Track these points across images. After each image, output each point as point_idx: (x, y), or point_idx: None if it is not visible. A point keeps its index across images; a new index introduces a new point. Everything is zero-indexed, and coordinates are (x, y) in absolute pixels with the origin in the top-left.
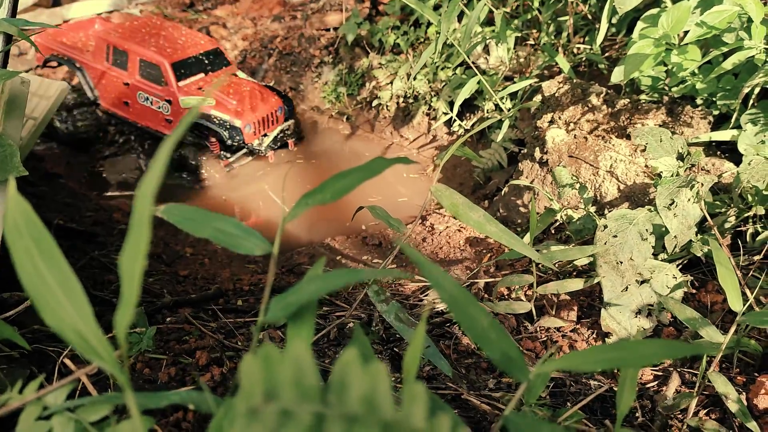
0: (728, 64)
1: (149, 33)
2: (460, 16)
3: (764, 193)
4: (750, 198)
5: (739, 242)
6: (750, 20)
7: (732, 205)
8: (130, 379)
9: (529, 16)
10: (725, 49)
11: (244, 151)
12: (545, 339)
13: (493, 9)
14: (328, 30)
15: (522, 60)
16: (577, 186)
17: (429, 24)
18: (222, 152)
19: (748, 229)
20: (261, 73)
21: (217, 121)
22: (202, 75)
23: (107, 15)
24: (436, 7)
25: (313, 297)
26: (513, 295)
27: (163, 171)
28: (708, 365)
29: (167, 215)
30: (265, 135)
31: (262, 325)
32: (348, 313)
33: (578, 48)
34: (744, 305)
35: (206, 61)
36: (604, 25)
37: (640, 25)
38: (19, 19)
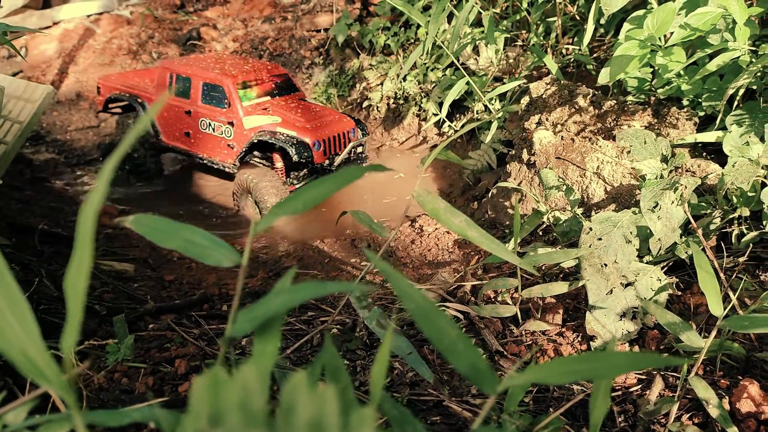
0: (713, 66)
1: (214, 61)
2: (451, 17)
3: (749, 194)
4: (735, 199)
5: (722, 244)
6: (734, 22)
7: (717, 206)
8: (108, 390)
9: (518, 17)
10: (710, 51)
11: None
12: (530, 343)
13: (481, 11)
14: (318, 31)
15: (511, 61)
16: (564, 188)
17: (419, 25)
18: (288, 178)
19: (733, 230)
20: None
21: (283, 137)
22: (268, 98)
23: (97, 17)
24: (427, 8)
25: (279, 311)
26: (499, 298)
27: (108, 187)
28: (689, 370)
29: (135, 226)
30: (336, 155)
31: (231, 338)
32: (331, 318)
33: (567, 49)
34: (727, 308)
35: (272, 86)
36: (590, 27)
37: (626, 26)
38: (1, 23)
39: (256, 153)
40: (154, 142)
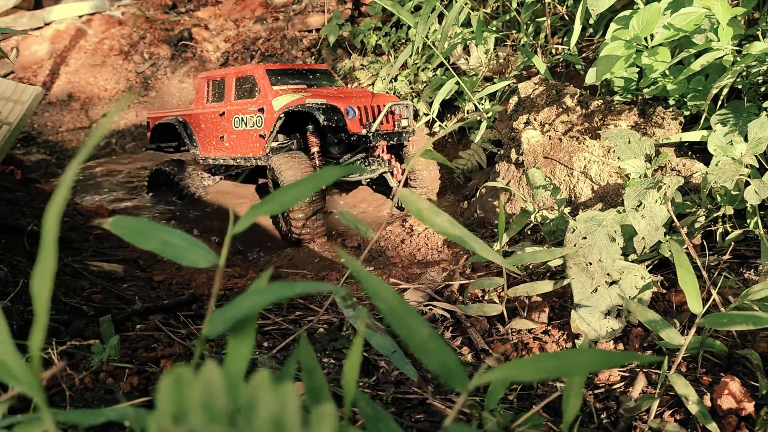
0: (697, 66)
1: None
2: (443, 17)
3: (733, 193)
4: (719, 198)
5: (705, 243)
6: (718, 22)
7: (701, 205)
8: (93, 390)
9: (507, 17)
10: (695, 50)
11: (359, 156)
12: (516, 341)
13: (471, 11)
14: (310, 31)
15: (502, 60)
16: (551, 187)
17: (411, 25)
18: (322, 160)
19: (717, 228)
20: None
21: (310, 104)
22: (303, 86)
23: (88, 17)
24: (418, 8)
25: (251, 311)
26: (486, 297)
27: (68, 193)
28: (670, 367)
29: (114, 228)
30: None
31: (205, 338)
32: (317, 317)
33: (557, 48)
34: (708, 305)
35: (309, 76)
36: (577, 27)
37: (613, 26)
38: None
39: (288, 140)
40: (194, 159)
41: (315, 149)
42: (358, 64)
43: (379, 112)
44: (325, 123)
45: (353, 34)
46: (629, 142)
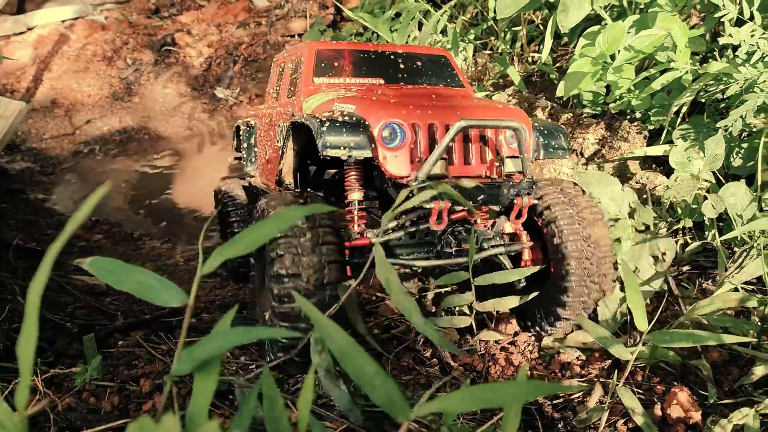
0: (657, 84)
1: None
2: (422, 24)
3: (692, 206)
4: (680, 210)
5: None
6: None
7: (662, 218)
8: (76, 410)
9: (485, 26)
10: (658, 69)
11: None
12: (484, 352)
13: (447, 23)
14: (293, 36)
15: (480, 67)
16: None
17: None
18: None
19: (678, 240)
20: (226, 81)
21: (313, 114)
22: (380, 82)
23: (71, 22)
24: (400, 14)
25: (216, 353)
26: (457, 309)
27: (49, 271)
28: (620, 380)
29: (92, 268)
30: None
31: (174, 375)
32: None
33: (532, 57)
34: (652, 321)
35: (401, 65)
36: (548, 42)
37: (581, 41)
38: None
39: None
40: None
41: (355, 194)
42: None
43: (464, 137)
44: (326, 153)
45: (335, 40)
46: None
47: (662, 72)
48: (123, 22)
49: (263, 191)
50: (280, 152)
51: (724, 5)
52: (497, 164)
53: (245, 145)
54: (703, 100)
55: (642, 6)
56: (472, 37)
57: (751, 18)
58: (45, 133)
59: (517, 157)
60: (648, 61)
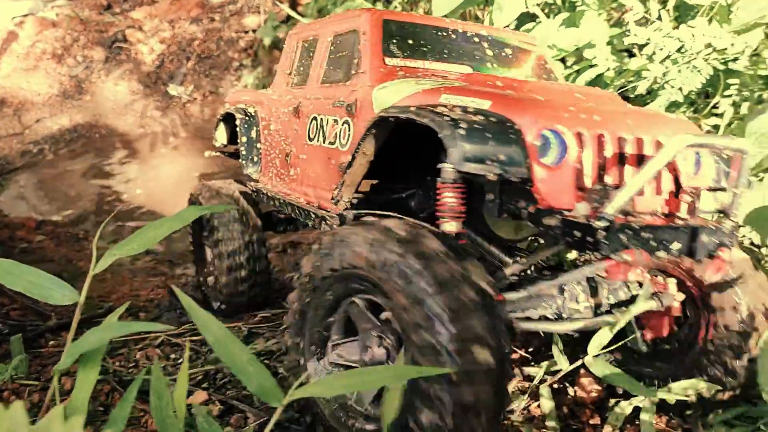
0: (581, 81)
1: None
2: None
3: None
4: None
5: None
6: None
7: None
8: None
9: None
10: (583, 65)
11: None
12: None
13: None
14: (246, 32)
15: None
16: None
17: None
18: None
19: None
20: (179, 78)
21: (438, 110)
22: (468, 69)
23: (22, 18)
24: None
25: (95, 346)
26: None
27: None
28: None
29: None
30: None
31: (60, 370)
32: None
33: None
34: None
35: (487, 49)
36: None
37: None
38: None
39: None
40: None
41: (449, 223)
42: None
43: (639, 157)
44: (464, 168)
45: None
46: None
47: (590, 68)
48: (74, 19)
49: (303, 209)
50: (351, 157)
51: (632, 7)
52: (689, 198)
53: (244, 139)
54: (632, 96)
55: (578, 3)
56: None
57: (659, 18)
58: None
59: (723, 189)
60: (577, 59)
